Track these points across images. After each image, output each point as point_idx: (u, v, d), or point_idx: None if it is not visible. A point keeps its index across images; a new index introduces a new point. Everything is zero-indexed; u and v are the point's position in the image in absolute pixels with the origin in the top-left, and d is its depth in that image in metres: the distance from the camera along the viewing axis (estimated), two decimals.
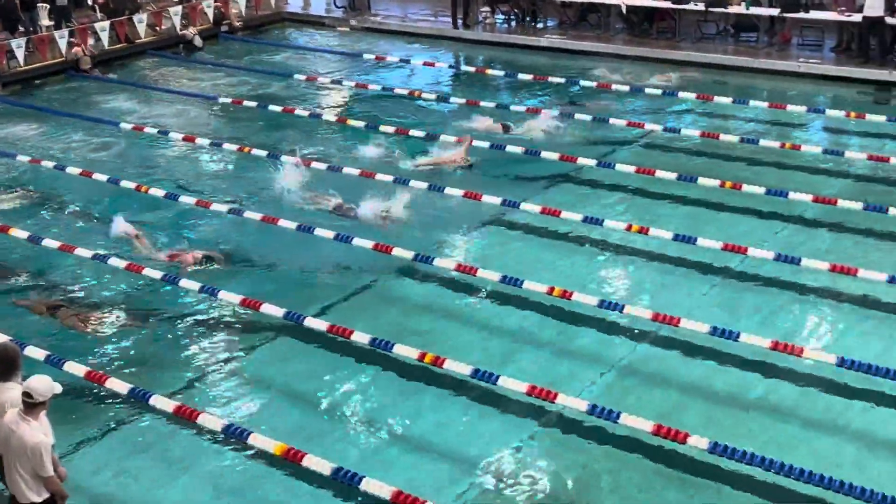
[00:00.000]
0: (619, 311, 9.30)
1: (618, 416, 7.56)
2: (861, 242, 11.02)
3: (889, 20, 16.75)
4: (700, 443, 7.25)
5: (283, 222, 11.34)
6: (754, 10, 18.53)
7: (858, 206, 11.24)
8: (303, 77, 18.43)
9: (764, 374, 8.58)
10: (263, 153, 13.84)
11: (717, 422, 7.95)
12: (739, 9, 18.60)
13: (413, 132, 14.66)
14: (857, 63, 17.29)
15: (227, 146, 14.39)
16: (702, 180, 12.19)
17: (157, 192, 12.50)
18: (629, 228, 11.01)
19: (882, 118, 14.41)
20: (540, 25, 21.27)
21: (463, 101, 16.36)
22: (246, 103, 16.65)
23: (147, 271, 10.20)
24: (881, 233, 11.13)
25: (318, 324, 9.14)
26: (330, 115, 16.04)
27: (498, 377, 8.08)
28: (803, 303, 9.84)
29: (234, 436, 7.56)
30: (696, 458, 7.38)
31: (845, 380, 8.32)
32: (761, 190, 11.86)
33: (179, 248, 11.03)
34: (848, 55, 17.76)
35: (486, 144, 13.79)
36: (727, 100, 15.58)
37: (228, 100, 16.95)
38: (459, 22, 21.22)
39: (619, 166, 12.85)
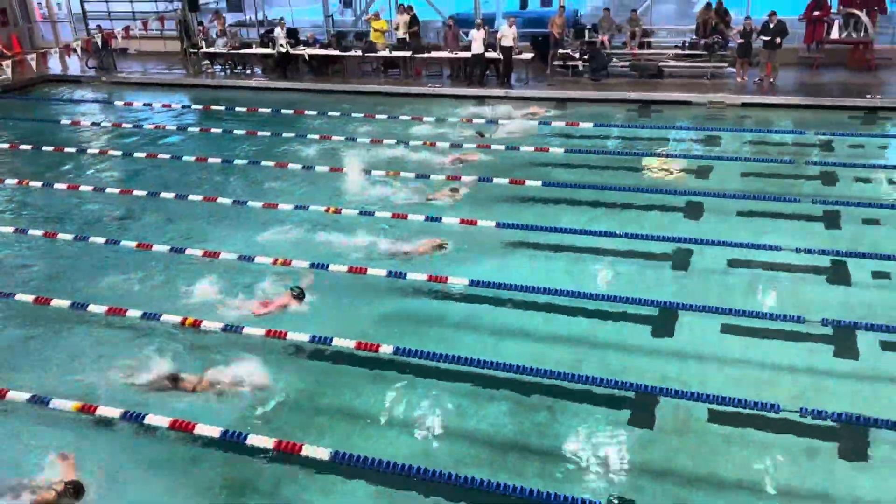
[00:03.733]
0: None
1: (332, 341, 7.58)
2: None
3: (487, 55, 17.78)
4: (388, 349, 7.46)
5: None
6: (396, 54, 19.00)
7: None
8: (68, 121, 16.72)
9: (431, 297, 8.81)
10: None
11: (407, 335, 7.98)
12: (385, 53, 19.04)
13: (136, 154, 14.03)
14: (466, 84, 18.30)
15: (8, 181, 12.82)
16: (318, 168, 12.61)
17: None
18: (266, 206, 11.00)
19: (482, 121, 15.36)
20: (248, 72, 20.53)
21: (197, 129, 15.77)
22: (22, 147, 14.88)
23: None
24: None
25: None
26: (94, 149, 14.67)
27: None
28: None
29: None
30: (390, 360, 7.51)
31: (476, 293, 8.75)
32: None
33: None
34: (458, 80, 18.73)
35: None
36: (384, 116, 15.96)
37: (6, 145, 15.04)
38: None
39: (265, 162, 13.00)
